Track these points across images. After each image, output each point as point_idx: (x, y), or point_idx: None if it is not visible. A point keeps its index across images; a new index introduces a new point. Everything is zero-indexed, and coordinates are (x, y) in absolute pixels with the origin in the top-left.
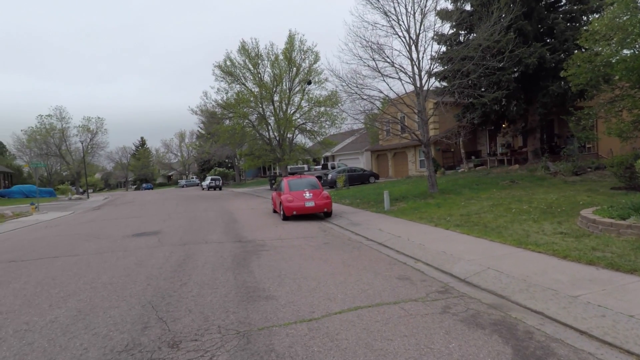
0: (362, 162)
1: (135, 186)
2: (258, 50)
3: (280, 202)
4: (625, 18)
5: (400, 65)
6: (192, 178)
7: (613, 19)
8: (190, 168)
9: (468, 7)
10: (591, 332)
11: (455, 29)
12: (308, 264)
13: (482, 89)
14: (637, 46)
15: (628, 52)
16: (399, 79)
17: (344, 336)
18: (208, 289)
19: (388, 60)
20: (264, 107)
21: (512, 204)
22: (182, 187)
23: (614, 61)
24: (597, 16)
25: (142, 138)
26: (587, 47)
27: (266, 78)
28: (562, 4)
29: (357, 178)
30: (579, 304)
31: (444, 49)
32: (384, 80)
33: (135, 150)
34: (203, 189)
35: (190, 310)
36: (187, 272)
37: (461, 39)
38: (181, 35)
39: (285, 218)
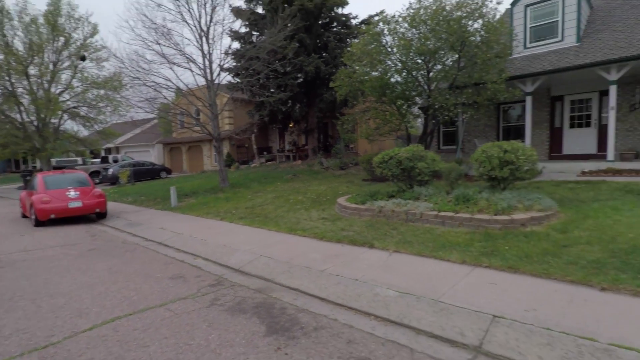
0: (154, 155)
1: None
2: (2, 5)
3: (31, 204)
4: (372, 46)
5: (190, 55)
6: None
7: (364, 45)
8: None
9: (260, 10)
10: (329, 298)
11: (248, 29)
12: (59, 278)
13: (272, 90)
14: (379, 69)
15: (376, 73)
16: (190, 69)
17: (89, 356)
18: None
19: (176, 47)
20: (12, 81)
21: (291, 195)
22: None
23: (365, 79)
24: (356, 41)
25: None
26: (348, 65)
27: (17, 44)
28: (334, 25)
29: (146, 173)
30: (324, 276)
31: (237, 45)
32: (171, 69)
33: None
34: None
35: None
36: None
37: (254, 39)
38: None
39: (39, 223)
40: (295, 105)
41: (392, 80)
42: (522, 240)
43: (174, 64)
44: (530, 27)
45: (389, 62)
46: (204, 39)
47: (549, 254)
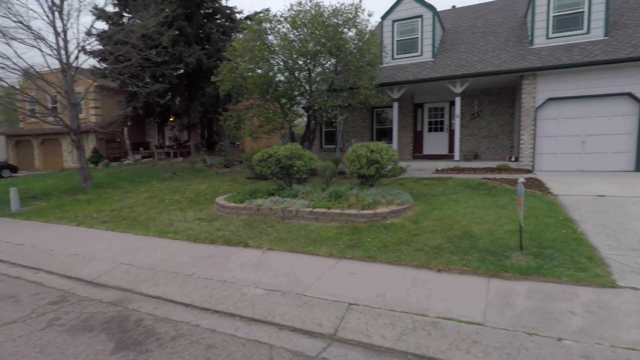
0: None
1: None
2: None
3: None
4: (256, 43)
5: (38, 32)
6: None
7: (247, 41)
8: None
9: None
10: (194, 303)
11: (118, 8)
12: None
13: (147, 80)
14: (263, 67)
15: (260, 71)
16: (38, 47)
17: None
18: None
19: (16, 18)
20: None
21: (167, 195)
22: None
23: (248, 75)
24: (240, 36)
25: None
26: (231, 59)
27: None
28: (217, 17)
29: None
30: (191, 281)
31: (105, 26)
32: (8, 44)
33: None
34: None
35: None
36: None
37: (125, 21)
38: None
39: None
40: (176, 98)
41: (276, 79)
42: (382, 232)
43: (12, 38)
44: (397, 41)
45: (272, 61)
46: (56, 13)
47: (402, 243)
